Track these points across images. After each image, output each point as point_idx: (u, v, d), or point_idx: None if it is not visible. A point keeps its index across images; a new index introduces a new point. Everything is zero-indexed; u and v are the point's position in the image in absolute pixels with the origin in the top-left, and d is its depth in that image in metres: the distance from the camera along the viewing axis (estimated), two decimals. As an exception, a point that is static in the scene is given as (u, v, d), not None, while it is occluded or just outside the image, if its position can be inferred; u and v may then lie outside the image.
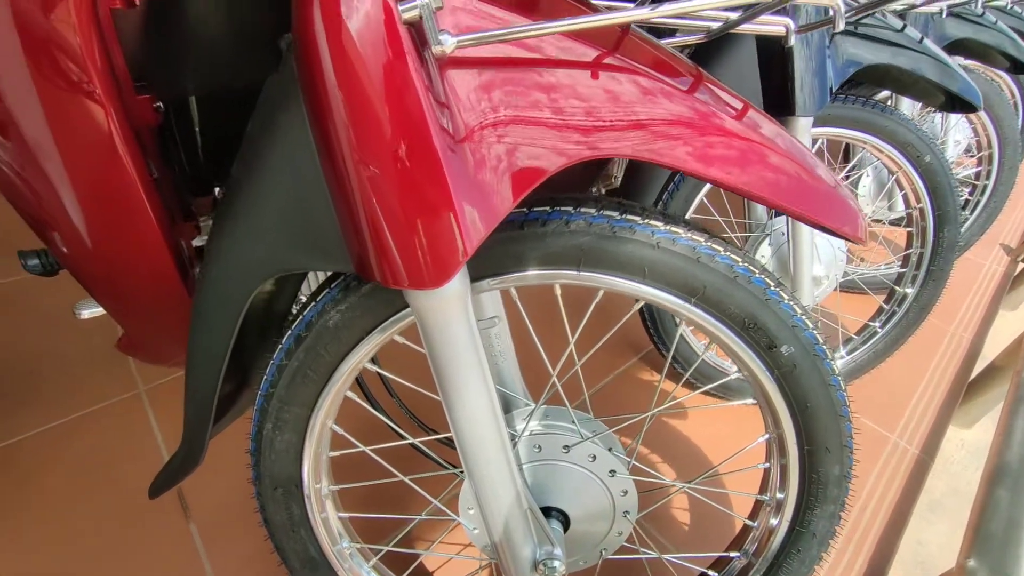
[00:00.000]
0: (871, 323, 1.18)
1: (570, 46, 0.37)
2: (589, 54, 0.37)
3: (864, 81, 1.03)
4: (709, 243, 0.46)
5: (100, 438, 1.00)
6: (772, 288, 0.47)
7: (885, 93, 1.32)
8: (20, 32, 0.35)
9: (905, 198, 1.06)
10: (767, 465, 0.59)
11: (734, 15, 0.46)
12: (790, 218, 0.98)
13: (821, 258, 1.02)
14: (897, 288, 1.14)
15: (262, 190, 0.40)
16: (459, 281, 0.38)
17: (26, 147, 0.41)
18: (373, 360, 0.54)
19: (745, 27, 0.35)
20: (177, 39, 0.41)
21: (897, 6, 0.91)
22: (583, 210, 0.45)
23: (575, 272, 0.46)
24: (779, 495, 0.58)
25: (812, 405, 0.51)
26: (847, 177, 1.42)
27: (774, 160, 0.41)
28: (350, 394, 0.55)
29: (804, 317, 0.48)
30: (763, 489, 0.60)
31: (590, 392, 1.15)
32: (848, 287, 1.49)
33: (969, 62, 1.57)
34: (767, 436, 0.57)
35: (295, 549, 0.59)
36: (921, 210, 1.05)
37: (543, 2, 0.38)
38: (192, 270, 0.56)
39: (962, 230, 1.63)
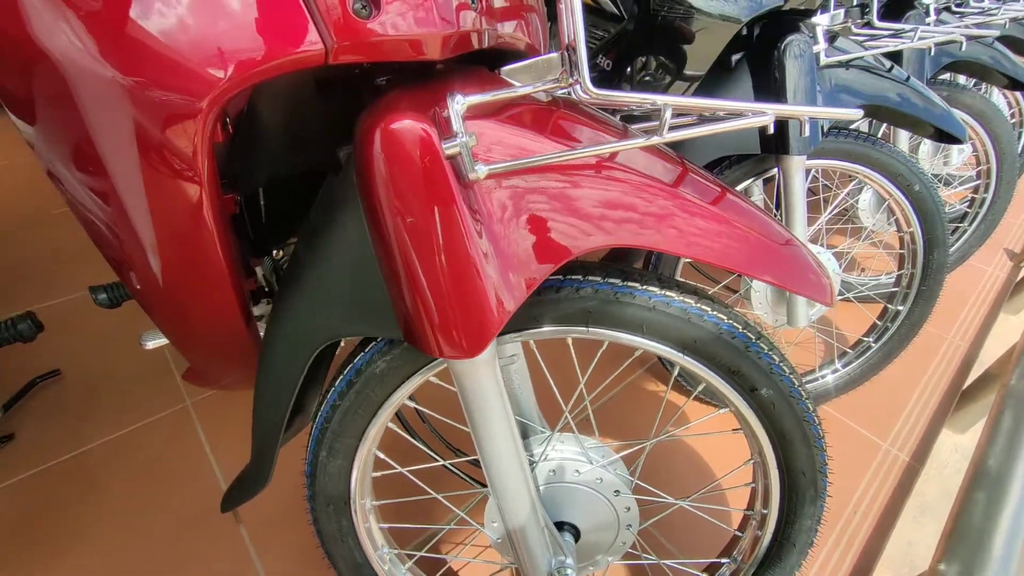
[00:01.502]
0: (865, 338, 1.25)
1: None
2: (591, 159, 0.45)
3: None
4: (699, 304, 0.54)
5: (155, 449, 1.11)
6: (754, 341, 0.55)
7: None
8: (139, 139, 0.42)
9: (897, 222, 1.12)
10: (753, 484, 0.67)
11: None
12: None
13: (815, 281, 1.09)
14: (890, 306, 1.21)
15: (325, 269, 0.49)
16: (489, 350, 0.47)
17: (125, 216, 0.49)
18: (411, 397, 0.63)
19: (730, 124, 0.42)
20: (256, 155, 0.50)
21: (887, 48, 0.97)
22: (590, 278, 0.53)
23: (584, 329, 0.54)
24: (763, 510, 0.66)
25: (789, 437, 0.59)
26: (849, 193, 1.48)
27: (746, 236, 0.48)
28: (391, 425, 0.64)
29: (782, 365, 0.56)
30: (750, 505, 0.68)
31: (598, 405, 1.23)
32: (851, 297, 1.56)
33: (971, 81, 1.61)
34: (752, 460, 0.65)
35: (343, 555, 0.69)
36: (912, 234, 1.11)
37: (558, 118, 0.46)
38: (251, 312, 0.65)
39: (960, 241, 1.68)
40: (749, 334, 0.55)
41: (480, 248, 0.43)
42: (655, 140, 0.40)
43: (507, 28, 0.47)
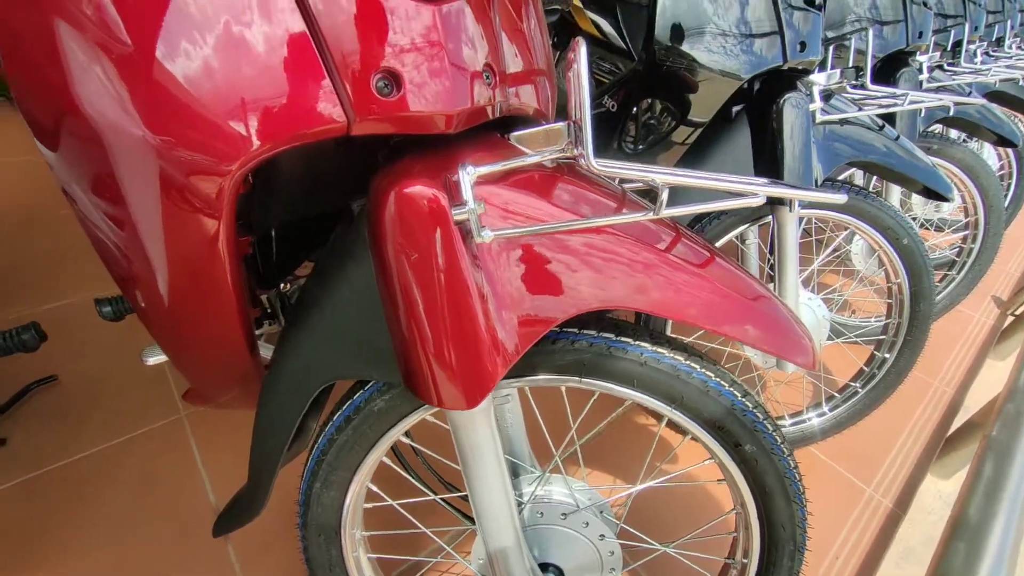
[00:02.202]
0: (852, 383, 1.27)
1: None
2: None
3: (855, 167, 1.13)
4: (688, 361, 0.56)
5: (147, 460, 1.12)
6: (739, 399, 0.57)
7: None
8: (164, 190, 0.43)
9: (886, 272, 1.16)
10: (735, 534, 0.69)
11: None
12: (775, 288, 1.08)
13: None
14: (877, 353, 1.23)
15: (332, 312, 0.51)
16: (485, 401, 0.49)
17: (141, 249, 0.49)
18: (406, 433, 0.65)
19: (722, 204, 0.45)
20: (273, 201, 0.52)
21: (880, 110, 1.01)
22: (586, 332, 0.55)
23: (577, 379, 0.57)
24: (744, 560, 0.67)
25: (770, 491, 0.61)
26: (844, 238, 1.51)
27: (733, 299, 0.50)
28: (385, 459, 0.66)
29: (766, 422, 0.58)
30: (731, 554, 0.70)
31: (588, 442, 1.25)
32: (839, 336, 1.58)
33: (962, 135, 1.66)
34: (735, 510, 0.67)
35: (331, 585, 0.70)
36: (899, 285, 1.14)
37: (561, 184, 0.49)
38: (255, 339, 0.67)
39: (949, 288, 1.72)
40: (735, 392, 0.57)
41: (482, 306, 0.45)
42: (651, 216, 0.43)
43: (518, 97, 0.50)
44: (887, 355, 1.22)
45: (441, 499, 0.73)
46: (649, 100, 1.18)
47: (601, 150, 1.31)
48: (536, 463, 0.72)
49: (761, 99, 0.96)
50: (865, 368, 1.26)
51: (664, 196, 0.42)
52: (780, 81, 0.95)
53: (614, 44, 1.85)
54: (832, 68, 1.03)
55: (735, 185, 0.45)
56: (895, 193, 1.41)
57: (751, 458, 0.59)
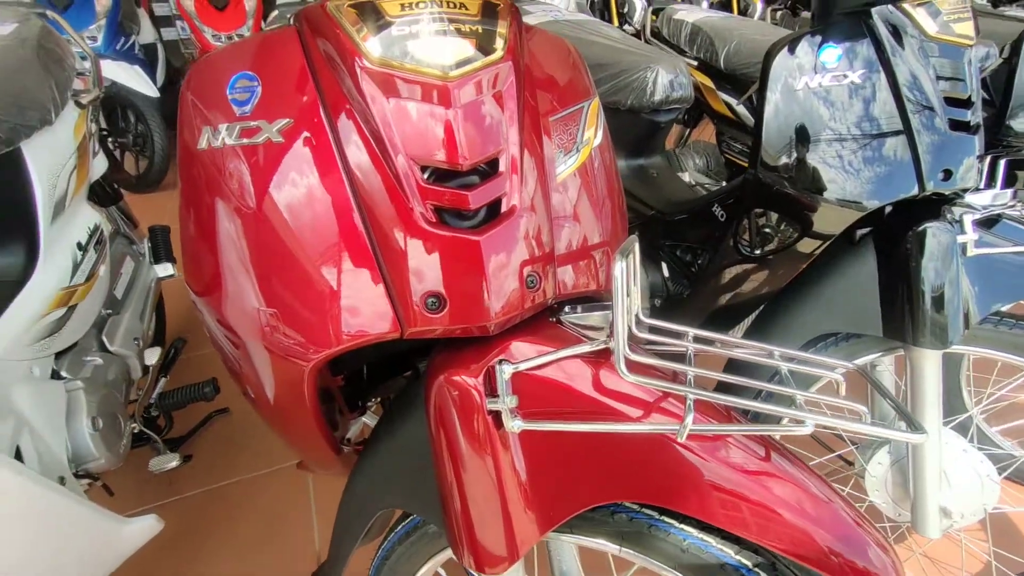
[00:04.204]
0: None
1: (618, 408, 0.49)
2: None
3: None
4: (738, 556, 0.52)
5: (278, 493, 1.33)
6: (799, 611, 0.51)
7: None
8: (267, 350, 0.55)
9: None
10: None
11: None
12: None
13: (954, 485, 0.92)
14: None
15: (395, 454, 0.59)
16: (513, 569, 0.52)
17: (250, 370, 0.61)
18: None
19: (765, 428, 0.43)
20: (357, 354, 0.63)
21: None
22: (626, 505, 0.55)
23: (617, 548, 0.56)
24: None
25: None
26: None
27: (780, 504, 0.46)
28: (440, 570, 0.72)
29: (834, 644, 0.51)
30: None
31: None
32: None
33: None
34: None
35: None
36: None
37: (597, 375, 0.50)
38: (344, 440, 0.78)
39: None
40: (795, 603, 0.51)
41: (511, 484, 0.49)
42: (672, 428, 0.43)
43: (576, 277, 0.54)
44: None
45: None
46: (763, 210, 1.11)
47: (711, 249, 1.26)
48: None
49: (893, 224, 0.85)
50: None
51: (689, 420, 0.42)
52: (918, 205, 0.83)
53: (746, 125, 1.77)
54: (1002, 187, 0.87)
55: (783, 411, 0.42)
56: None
57: None
